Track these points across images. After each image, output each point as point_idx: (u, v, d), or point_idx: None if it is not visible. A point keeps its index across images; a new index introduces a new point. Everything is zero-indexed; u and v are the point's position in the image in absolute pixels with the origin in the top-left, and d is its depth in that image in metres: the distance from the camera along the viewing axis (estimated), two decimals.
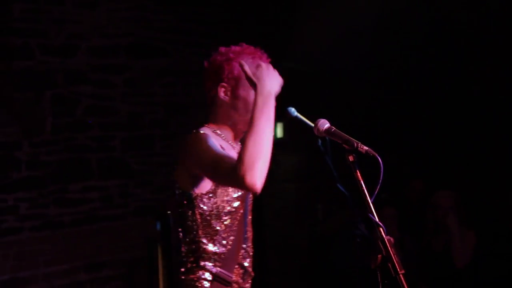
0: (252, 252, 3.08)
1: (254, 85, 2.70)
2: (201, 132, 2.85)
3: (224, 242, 2.91)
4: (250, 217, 3.05)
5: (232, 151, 2.92)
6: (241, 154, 2.60)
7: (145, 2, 6.89)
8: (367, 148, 2.70)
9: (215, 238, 2.90)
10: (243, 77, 2.83)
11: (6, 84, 6.17)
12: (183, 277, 2.95)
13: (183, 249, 2.97)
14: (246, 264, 3.01)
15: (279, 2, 7.34)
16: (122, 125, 6.80)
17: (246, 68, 2.76)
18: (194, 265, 2.93)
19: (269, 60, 2.96)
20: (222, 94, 2.94)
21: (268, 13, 7.38)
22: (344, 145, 2.75)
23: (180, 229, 2.98)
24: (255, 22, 7.42)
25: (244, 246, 3.00)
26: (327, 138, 2.95)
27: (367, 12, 7.07)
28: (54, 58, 6.33)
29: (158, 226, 3.97)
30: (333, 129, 2.83)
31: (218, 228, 2.90)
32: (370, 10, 7.06)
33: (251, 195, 3.04)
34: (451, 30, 7.34)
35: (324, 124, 2.86)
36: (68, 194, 6.46)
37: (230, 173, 2.61)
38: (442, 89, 7.71)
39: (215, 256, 2.90)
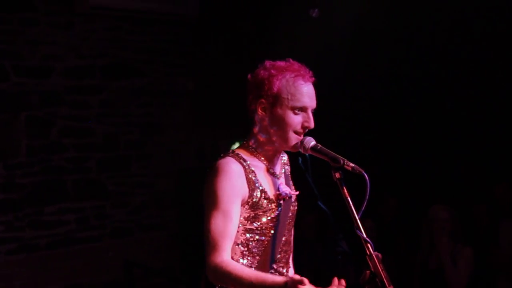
0: (286, 272, 3.04)
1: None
2: (226, 165, 2.82)
3: (250, 259, 2.90)
4: (285, 238, 2.99)
5: (264, 174, 2.92)
6: (227, 264, 2.69)
7: (121, 23, 6.87)
8: (353, 165, 2.71)
9: (244, 253, 2.90)
10: (282, 95, 2.83)
11: None
12: None
13: None
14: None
15: (255, 21, 7.37)
16: (98, 146, 6.76)
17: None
18: None
19: (313, 79, 2.92)
20: (260, 110, 2.90)
21: (244, 31, 7.40)
22: (330, 162, 2.75)
23: None
24: (231, 41, 7.43)
25: (274, 266, 2.96)
26: (307, 155, 2.96)
27: (344, 29, 7.14)
28: (29, 79, 6.29)
29: None
30: (319, 147, 2.84)
31: (244, 245, 2.90)
32: (347, 28, 7.13)
33: (289, 215, 3.00)
34: (431, 47, 7.43)
35: (310, 141, 2.87)
36: (44, 216, 6.40)
37: (206, 251, 2.72)
38: (421, 104, 7.77)
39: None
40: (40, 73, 6.36)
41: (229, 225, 2.77)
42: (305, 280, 2.48)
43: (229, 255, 2.76)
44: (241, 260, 2.87)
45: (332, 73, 6.69)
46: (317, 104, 2.92)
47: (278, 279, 2.61)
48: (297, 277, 2.51)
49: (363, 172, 2.67)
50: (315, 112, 2.93)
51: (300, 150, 2.89)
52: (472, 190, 7.16)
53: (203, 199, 2.82)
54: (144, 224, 7.08)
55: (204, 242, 2.78)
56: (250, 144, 2.96)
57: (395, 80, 7.83)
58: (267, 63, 2.92)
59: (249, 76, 2.95)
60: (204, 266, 2.75)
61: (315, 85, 2.92)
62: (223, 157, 2.88)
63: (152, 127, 7.17)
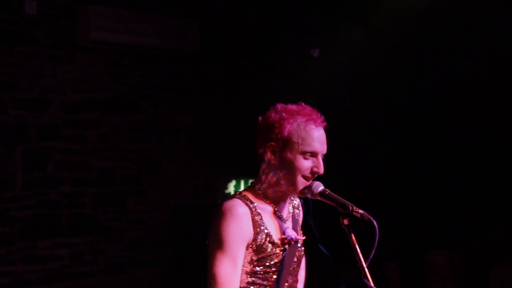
0: None
1: None
2: (232, 209, 2.77)
3: None
4: (288, 283, 2.92)
5: (271, 217, 2.87)
6: None
7: (120, 58, 6.87)
8: (362, 212, 2.67)
9: None
10: (293, 139, 2.79)
11: None
12: None
13: None
14: None
15: (256, 59, 7.37)
16: (94, 181, 6.70)
17: None
18: None
19: (325, 124, 2.86)
20: (269, 154, 2.85)
21: (244, 69, 7.40)
22: (338, 208, 2.71)
23: None
24: (231, 78, 7.43)
25: None
26: (309, 197, 2.92)
27: (344, 69, 7.15)
28: (27, 112, 6.26)
29: None
30: (327, 192, 2.80)
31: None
32: (347, 67, 7.15)
33: (294, 260, 2.94)
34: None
35: (318, 186, 2.82)
36: (37, 251, 6.32)
37: None
38: (420, 146, 7.76)
39: None
40: (38, 106, 6.33)
41: (236, 272, 2.72)
42: None
43: None
44: None
45: (332, 112, 6.68)
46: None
47: None
48: None
49: (372, 219, 2.63)
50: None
51: (308, 195, 2.85)
52: (470, 232, 7.12)
53: (208, 241, 2.76)
54: (138, 261, 7.01)
55: (207, 285, 2.72)
56: (257, 187, 2.91)
57: (396, 120, 7.83)
58: (279, 106, 2.88)
59: (259, 118, 2.91)
60: None
61: (326, 130, 2.88)
62: (230, 198, 2.83)
63: (149, 163, 7.13)
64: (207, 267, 2.73)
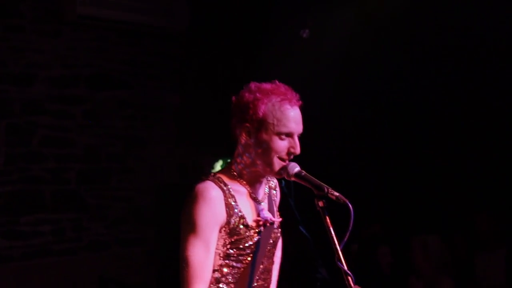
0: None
1: None
2: (205, 192, 2.71)
3: (225, 287, 2.80)
4: (263, 266, 2.89)
5: (245, 199, 2.82)
6: None
7: (108, 34, 6.78)
8: (338, 194, 2.62)
9: (219, 280, 2.79)
10: (268, 120, 2.74)
11: None
12: None
13: None
14: None
15: (245, 38, 7.30)
16: (79, 158, 6.64)
17: None
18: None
19: (300, 103, 2.81)
20: (244, 135, 2.80)
21: (232, 48, 7.33)
22: (314, 190, 2.67)
23: None
24: (219, 57, 7.37)
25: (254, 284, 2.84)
26: (284, 178, 2.88)
27: (334, 51, 7.08)
28: (11, 86, 6.18)
29: None
30: (303, 173, 2.75)
31: (219, 272, 2.80)
32: (337, 50, 7.08)
33: (270, 242, 2.89)
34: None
35: (294, 167, 2.77)
36: (19, 226, 6.26)
37: (187, 283, 2.65)
38: (408, 129, 7.72)
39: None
40: (23, 80, 6.25)
41: (209, 255, 2.68)
42: None
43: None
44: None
45: (320, 95, 6.64)
46: (304, 127, 2.84)
47: None
48: None
49: (347, 202, 2.59)
50: (301, 137, 2.84)
51: (283, 176, 2.80)
52: (454, 218, 7.11)
53: (181, 224, 2.72)
54: (122, 239, 6.97)
55: (180, 269, 2.69)
56: (233, 168, 2.86)
57: (384, 105, 7.78)
58: (253, 85, 2.81)
59: (233, 98, 2.84)
60: None
61: (302, 109, 2.83)
62: (203, 180, 2.77)
63: (134, 140, 7.08)
64: (179, 251, 2.69)
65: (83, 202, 6.70)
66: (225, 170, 2.87)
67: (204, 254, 2.66)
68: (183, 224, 2.70)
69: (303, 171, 2.76)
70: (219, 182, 2.77)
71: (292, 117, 2.77)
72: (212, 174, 2.83)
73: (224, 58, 7.38)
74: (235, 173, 2.84)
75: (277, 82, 2.83)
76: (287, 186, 3.10)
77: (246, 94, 2.79)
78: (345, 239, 2.55)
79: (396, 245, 6.57)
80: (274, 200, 3.03)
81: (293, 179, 2.77)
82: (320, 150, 6.85)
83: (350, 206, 2.57)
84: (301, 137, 2.84)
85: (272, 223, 2.86)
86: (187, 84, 7.39)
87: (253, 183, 2.86)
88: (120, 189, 6.96)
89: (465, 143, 7.28)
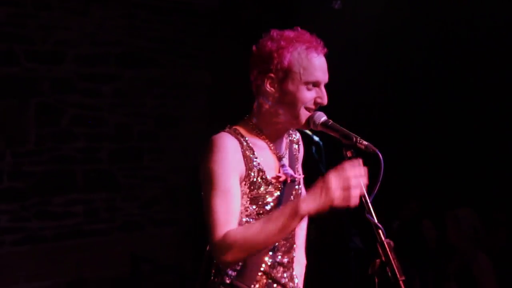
0: (291, 262, 2.75)
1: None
2: (220, 140, 2.55)
3: None
4: None
5: (266, 153, 2.65)
6: (234, 231, 2.40)
7: (137, 11, 6.67)
8: (366, 143, 2.44)
9: None
10: (294, 69, 2.56)
11: None
12: (210, 282, 2.69)
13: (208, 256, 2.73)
14: (278, 274, 2.70)
15: (276, 13, 7.14)
16: (110, 137, 6.56)
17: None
18: (213, 274, 2.69)
19: (325, 50, 2.63)
20: (268, 86, 2.60)
21: (264, 23, 7.16)
22: (341, 140, 2.50)
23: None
24: (251, 33, 7.21)
25: (271, 254, 2.67)
26: (321, 144, 2.72)
27: (367, 24, 6.89)
28: (40, 65, 6.11)
29: None
30: (330, 122, 2.57)
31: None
32: (370, 22, 6.89)
33: (291, 200, 2.67)
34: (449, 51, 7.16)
35: (321, 117, 2.60)
36: (51, 207, 6.22)
37: (209, 231, 2.43)
38: (445, 104, 7.51)
39: (231, 265, 2.62)
40: (52, 59, 6.18)
41: (233, 202, 2.49)
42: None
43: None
44: None
45: (354, 67, 6.46)
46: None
47: (292, 204, 2.39)
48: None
49: (377, 151, 2.40)
50: (332, 113, 2.66)
51: (310, 127, 2.64)
52: (494, 194, 6.90)
53: (200, 178, 2.57)
54: (155, 219, 6.88)
55: (205, 223, 2.51)
56: (252, 121, 2.67)
57: (417, 81, 7.57)
58: (274, 33, 2.63)
59: (253, 48, 2.66)
60: (210, 250, 2.49)
61: (327, 59, 2.65)
62: (218, 133, 2.61)
63: (166, 119, 6.97)
64: (203, 203, 2.52)
65: (115, 182, 6.62)
66: (243, 123, 2.68)
67: (225, 203, 2.48)
68: (201, 176, 2.55)
69: (330, 120, 2.59)
70: (235, 134, 2.60)
71: (319, 66, 2.59)
72: (228, 126, 2.66)
73: (256, 34, 7.22)
74: (254, 126, 2.66)
75: (299, 29, 2.66)
76: (318, 151, 2.94)
77: (269, 43, 2.61)
78: (375, 190, 2.38)
79: (439, 219, 6.38)
80: (295, 155, 2.85)
81: (319, 128, 2.59)
82: (351, 126, 6.67)
83: (380, 155, 2.40)
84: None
85: (293, 180, 2.69)
86: (219, 62, 7.24)
87: (273, 137, 2.69)
88: (152, 169, 6.87)
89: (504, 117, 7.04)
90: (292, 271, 2.77)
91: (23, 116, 6.03)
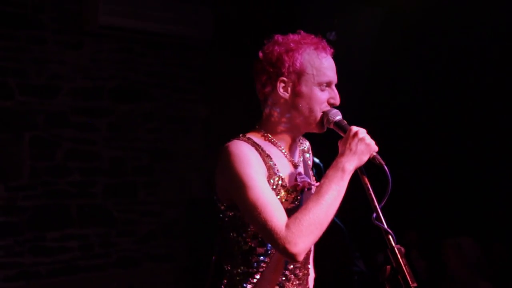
0: (306, 275, 2.69)
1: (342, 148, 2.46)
2: (235, 146, 2.48)
3: (261, 260, 2.55)
4: None
5: (282, 160, 2.60)
6: (293, 219, 2.31)
7: (131, 45, 6.67)
8: (375, 154, 2.43)
9: (251, 257, 2.54)
10: (307, 70, 2.53)
11: None
12: None
13: (222, 264, 2.63)
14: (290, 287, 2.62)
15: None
16: (104, 171, 6.49)
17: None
18: (230, 282, 2.59)
19: (332, 50, 2.63)
20: (281, 90, 2.56)
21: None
22: None
23: (218, 241, 2.64)
24: (245, 66, 7.20)
25: (289, 266, 2.60)
26: (321, 166, 2.69)
27: (361, 56, 6.91)
28: (34, 98, 6.07)
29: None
30: (344, 123, 2.55)
31: (252, 245, 2.54)
32: (364, 54, 6.91)
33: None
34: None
35: (336, 115, 2.56)
36: (46, 242, 6.12)
37: (269, 231, 2.30)
38: (442, 133, 7.49)
39: (251, 276, 2.55)
40: (46, 92, 6.15)
41: (275, 196, 2.43)
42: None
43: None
44: (249, 258, 2.54)
45: (349, 98, 6.44)
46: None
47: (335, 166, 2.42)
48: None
49: (383, 163, 2.40)
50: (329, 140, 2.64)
51: (324, 124, 2.59)
52: (492, 224, 6.85)
53: (230, 190, 2.45)
54: (151, 254, 6.79)
55: (256, 224, 2.39)
56: (264, 130, 2.62)
57: (413, 108, 7.56)
58: (279, 38, 2.60)
59: (260, 54, 2.62)
60: (278, 249, 2.34)
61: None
62: (231, 141, 2.54)
63: (161, 153, 6.92)
64: (244, 210, 2.41)
65: (110, 217, 6.54)
66: (253, 132, 2.63)
67: (271, 195, 2.39)
68: (231, 185, 2.43)
69: (344, 120, 2.55)
70: (251, 142, 2.54)
71: (330, 65, 2.59)
72: (241, 134, 2.60)
73: (251, 66, 7.21)
74: (266, 135, 2.61)
75: (302, 32, 2.64)
76: (318, 173, 2.90)
77: (276, 47, 2.58)
78: (385, 199, 2.34)
79: (429, 249, 6.32)
80: (308, 164, 2.81)
81: (332, 126, 2.56)
82: None
83: (386, 168, 2.38)
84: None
85: (310, 188, 2.62)
86: (214, 95, 7.23)
87: (287, 145, 2.65)
88: (148, 203, 6.80)
89: (505, 144, 7.01)
90: (306, 285, 2.69)
91: (17, 149, 5.98)
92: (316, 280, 2.88)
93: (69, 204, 6.29)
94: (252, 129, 2.65)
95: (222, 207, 2.56)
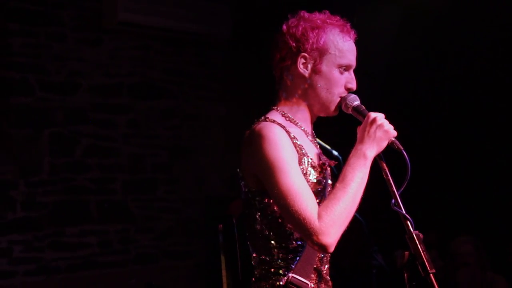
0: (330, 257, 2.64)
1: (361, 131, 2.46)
2: (267, 129, 2.41)
3: (299, 244, 2.49)
4: None
5: (305, 140, 2.56)
6: (324, 209, 2.29)
7: (150, 42, 6.70)
8: (393, 139, 2.42)
9: (288, 242, 2.49)
10: (330, 50, 2.51)
11: (3, 121, 5.94)
12: (254, 285, 2.55)
13: (253, 255, 2.57)
14: (323, 270, 2.59)
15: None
16: (124, 167, 6.52)
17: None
18: (264, 272, 2.53)
19: (355, 36, 2.63)
20: (301, 66, 2.53)
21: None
22: None
23: (247, 233, 2.59)
24: (264, 64, 7.20)
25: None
26: (341, 160, 2.68)
27: (380, 54, 6.87)
28: (54, 95, 6.11)
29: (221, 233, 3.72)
30: (362, 108, 2.53)
31: (290, 230, 2.48)
32: (384, 52, 6.87)
33: (329, 190, 2.55)
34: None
35: (354, 100, 2.56)
36: (65, 237, 6.15)
37: (302, 221, 2.27)
38: (458, 132, 7.44)
39: (289, 261, 2.49)
40: (66, 89, 6.18)
41: (305, 182, 2.39)
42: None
43: None
44: (279, 243, 2.49)
45: (367, 97, 6.41)
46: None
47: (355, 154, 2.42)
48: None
49: (401, 148, 2.38)
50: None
51: (342, 108, 2.57)
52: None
53: (260, 175, 2.40)
54: (170, 252, 6.80)
55: (288, 212, 2.35)
56: (283, 110, 2.59)
57: (432, 107, 7.52)
58: (305, 14, 2.59)
59: (284, 27, 2.60)
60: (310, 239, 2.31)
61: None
62: (258, 123, 2.49)
63: (180, 150, 6.93)
64: (276, 197, 2.36)
65: (129, 213, 6.56)
66: (272, 113, 2.59)
67: (303, 182, 2.36)
68: (262, 170, 2.38)
69: (363, 105, 2.54)
70: (277, 123, 2.49)
71: (352, 49, 2.60)
72: (263, 118, 2.54)
73: (268, 64, 7.21)
74: (286, 115, 2.58)
75: (328, 12, 2.63)
76: (337, 167, 2.88)
77: (302, 22, 2.57)
78: (403, 187, 2.33)
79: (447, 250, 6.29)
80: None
81: (350, 111, 2.55)
82: None
83: (405, 153, 2.36)
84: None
85: (330, 166, 2.62)
86: (233, 93, 7.23)
87: (306, 125, 2.62)
88: (167, 200, 6.81)
89: None
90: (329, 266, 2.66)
91: (36, 146, 6.02)
92: (334, 272, 2.86)
93: (88, 200, 6.31)
94: (269, 111, 2.62)
95: (250, 194, 2.52)
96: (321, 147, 2.85)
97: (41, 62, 6.03)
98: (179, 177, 6.91)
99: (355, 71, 2.65)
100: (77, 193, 6.24)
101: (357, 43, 6.94)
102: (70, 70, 6.20)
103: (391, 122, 2.47)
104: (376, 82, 7.07)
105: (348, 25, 2.62)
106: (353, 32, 2.62)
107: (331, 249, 2.30)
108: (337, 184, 2.36)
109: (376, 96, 6.93)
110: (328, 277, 2.62)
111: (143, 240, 6.64)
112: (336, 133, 4.53)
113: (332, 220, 2.27)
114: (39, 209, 6.00)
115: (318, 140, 2.83)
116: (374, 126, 2.40)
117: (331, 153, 3.17)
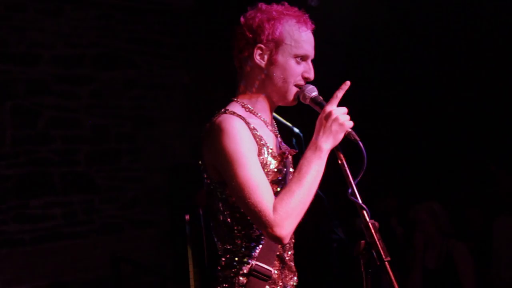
0: (293, 244, 2.70)
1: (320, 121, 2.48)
2: (226, 121, 2.44)
3: (261, 232, 2.53)
4: None
5: (265, 130, 2.60)
6: (279, 202, 2.34)
7: (113, 12, 6.63)
8: (350, 130, 2.47)
9: (250, 230, 2.54)
10: (286, 41, 2.54)
11: None
12: (219, 274, 2.60)
13: (218, 244, 2.62)
14: (287, 257, 2.64)
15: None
16: (87, 138, 6.50)
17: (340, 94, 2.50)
18: (229, 260, 2.59)
19: (313, 26, 2.63)
20: (257, 57, 2.57)
21: (239, 22, 7.14)
22: None
23: (211, 224, 2.63)
24: (227, 32, 7.18)
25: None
26: (301, 135, 2.72)
27: (344, 21, 6.89)
28: (14, 67, 6.04)
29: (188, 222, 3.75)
30: (320, 99, 2.57)
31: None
32: (347, 20, 6.89)
33: (290, 178, 2.56)
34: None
35: (312, 91, 2.59)
36: (29, 210, 6.14)
37: (258, 213, 2.33)
38: (420, 102, 7.53)
39: (252, 249, 2.56)
40: (26, 60, 6.11)
41: (265, 175, 2.44)
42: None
43: None
44: (242, 232, 2.55)
45: (330, 66, 6.45)
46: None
47: (311, 147, 2.45)
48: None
49: (358, 139, 2.43)
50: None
51: (300, 100, 2.61)
52: (468, 188, 6.96)
53: (219, 166, 2.45)
54: (135, 220, 6.83)
55: (244, 204, 2.39)
56: (243, 101, 2.63)
57: (394, 77, 7.59)
58: (262, 6, 2.62)
59: (241, 19, 2.63)
60: (266, 231, 2.36)
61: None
62: (218, 116, 2.52)
63: (144, 120, 6.92)
64: (233, 189, 2.41)
65: (93, 184, 6.56)
66: (233, 105, 2.62)
67: (261, 175, 2.41)
68: (220, 162, 2.43)
69: (320, 97, 2.58)
70: (237, 115, 2.52)
71: (309, 39, 2.61)
72: (223, 110, 2.57)
73: (231, 32, 7.19)
74: (246, 106, 2.62)
75: (286, 4, 2.66)
76: (298, 142, 2.92)
77: (259, 14, 2.60)
78: (360, 175, 2.38)
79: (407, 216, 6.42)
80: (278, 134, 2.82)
81: (307, 102, 2.59)
82: None
83: (361, 144, 2.41)
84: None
85: (290, 155, 2.67)
86: (196, 61, 7.21)
87: (266, 114, 2.66)
88: (131, 170, 6.82)
89: (489, 112, 7.08)
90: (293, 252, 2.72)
91: None
92: (295, 247, 2.93)
93: (52, 172, 6.30)
94: (230, 102, 2.65)
95: (212, 186, 2.56)
96: (282, 124, 2.89)
97: (0, 33, 5.94)
98: (143, 147, 6.91)
99: (313, 61, 2.67)
100: (40, 165, 6.21)
101: (320, 10, 6.89)
102: (30, 41, 6.13)
103: (353, 103, 2.53)
104: (340, 50, 7.11)
105: (306, 16, 2.64)
106: (311, 22, 2.63)
107: (286, 240, 2.36)
108: (293, 177, 2.42)
109: (339, 64, 6.99)
110: (292, 263, 2.68)
111: (108, 210, 6.66)
112: (299, 112, 4.56)
113: (286, 213, 2.33)
114: (2, 182, 5.98)
115: (278, 117, 2.86)
116: (330, 120, 2.44)
117: (292, 130, 3.21)
